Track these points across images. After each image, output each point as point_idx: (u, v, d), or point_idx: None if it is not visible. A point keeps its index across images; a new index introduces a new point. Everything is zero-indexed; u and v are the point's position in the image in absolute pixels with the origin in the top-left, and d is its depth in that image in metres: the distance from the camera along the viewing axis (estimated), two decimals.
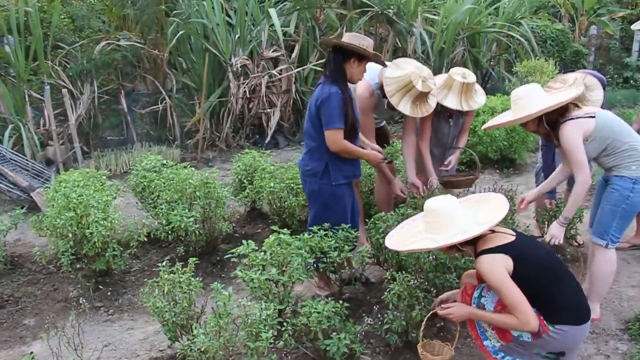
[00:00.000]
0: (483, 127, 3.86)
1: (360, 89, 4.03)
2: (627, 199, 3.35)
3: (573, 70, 5.15)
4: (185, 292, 2.86)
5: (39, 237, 4.80)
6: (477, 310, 2.79)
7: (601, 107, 4.29)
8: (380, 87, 4.01)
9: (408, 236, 2.93)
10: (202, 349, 2.42)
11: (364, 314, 3.47)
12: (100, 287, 4.05)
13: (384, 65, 4.00)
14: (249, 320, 2.50)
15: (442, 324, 3.43)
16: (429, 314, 2.96)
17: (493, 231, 2.77)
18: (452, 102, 4.12)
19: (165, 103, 8.38)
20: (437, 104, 4.18)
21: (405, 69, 3.90)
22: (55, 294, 3.99)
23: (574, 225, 4.25)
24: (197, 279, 3.02)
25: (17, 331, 3.62)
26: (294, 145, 9.04)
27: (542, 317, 2.67)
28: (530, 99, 3.34)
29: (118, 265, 4.02)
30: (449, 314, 2.81)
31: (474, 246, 2.77)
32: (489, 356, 2.91)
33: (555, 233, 3.46)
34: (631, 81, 11.67)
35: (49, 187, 4.57)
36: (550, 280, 2.71)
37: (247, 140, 8.87)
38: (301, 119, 9.44)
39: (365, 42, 3.59)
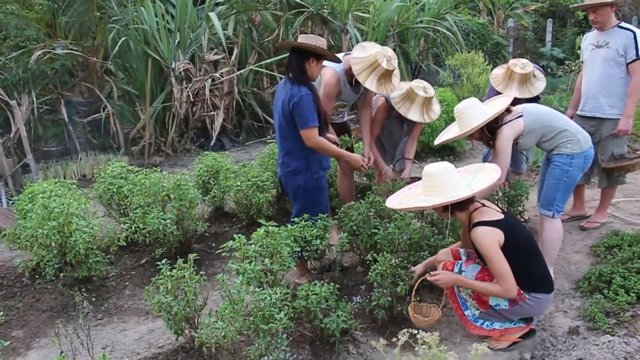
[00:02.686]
0: (436, 143, 4.23)
1: (327, 75, 4.27)
2: (567, 173, 3.84)
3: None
4: (190, 286, 3.02)
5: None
6: (463, 277, 3.13)
7: (539, 96, 4.83)
8: (346, 72, 4.29)
9: (407, 198, 3.29)
10: (223, 335, 2.61)
11: (345, 296, 3.74)
12: (84, 294, 4.10)
13: (339, 61, 4.28)
14: (262, 305, 2.71)
15: (419, 298, 3.74)
16: (419, 281, 3.29)
17: (485, 205, 3.13)
18: (415, 116, 4.48)
19: (108, 111, 8.31)
20: (394, 110, 4.53)
21: (370, 50, 4.21)
22: (39, 305, 4.01)
23: (522, 202, 4.68)
24: (201, 273, 3.19)
25: (7, 343, 3.64)
26: (239, 146, 9.20)
27: (519, 288, 3.04)
28: (472, 112, 3.79)
29: (100, 271, 4.09)
30: (437, 280, 3.15)
31: (468, 216, 3.11)
32: (469, 325, 3.26)
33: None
34: (548, 69, 12.54)
35: (16, 200, 4.56)
36: (531, 254, 3.10)
37: (192, 143, 8.94)
38: (243, 120, 9.61)
39: (321, 42, 3.84)
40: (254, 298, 2.75)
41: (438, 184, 3.09)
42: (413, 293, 3.28)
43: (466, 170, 3.40)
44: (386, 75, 4.25)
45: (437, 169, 3.12)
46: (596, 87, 4.58)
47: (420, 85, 4.52)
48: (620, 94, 4.50)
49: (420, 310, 3.38)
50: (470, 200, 3.15)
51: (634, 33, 4.39)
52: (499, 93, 4.83)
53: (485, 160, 5.15)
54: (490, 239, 2.97)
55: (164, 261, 3.21)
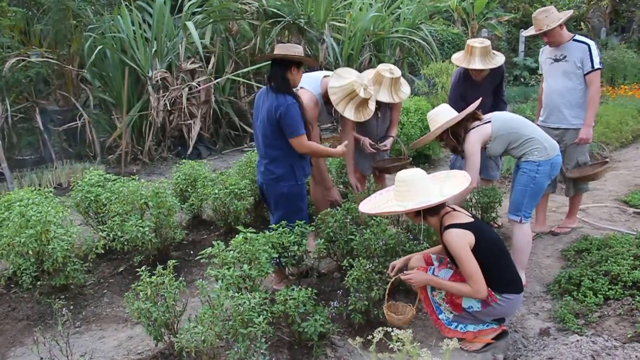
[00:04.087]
0: (411, 146, 4.35)
1: (305, 99, 4.34)
2: (534, 179, 3.97)
3: None
4: (169, 292, 3.06)
5: None
6: (434, 277, 3.23)
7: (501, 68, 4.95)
8: (323, 96, 4.37)
9: (380, 203, 3.37)
10: (202, 339, 2.65)
11: (322, 301, 3.79)
12: (61, 302, 4.08)
13: (319, 67, 4.36)
14: (241, 309, 2.75)
15: (394, 302, 3.83)
16: (392, 279, 3.37)
17: (455, 210, 3.24)
18: (384, 97, 4.58)
19: (84, 119, 8.28)
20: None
21: (347, 78, 4.27)
22: (15, 314, 3.98)
23: (494, 209, 4.79)
24: (180, 279, 3.23)
25: None
26: (216, 155, 9.23)
27: (490, 289, 3.14)
28: (443, 116, 3.95)
29: (78, 279, 4.09)
30: (409, 279, 3.25)
31: (439, 220, 3.20)
32: (443, 328, 3.35)
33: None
34: (521, 79, 12.81)
35: None
36: (500, 256, 3.23)
37: (169, 152, 8.94)
38: (220, 129, 9.65)
39: (297, 50, 3.91)
40: (233, 303, 2.80)
41: (410, 190, 3.19)
42: (387, 292, 3.36)
43: (436, 177, 3.50)
44: (363, 102, 4.33)
45: (409, 175, 3.22)
46: (558, 99, 4.73)
47: (386, 68, 4.64)
48: (582, 105, 4.66)
49: (396, 309, 3.46)
50: (441, 206, 3.25)
51: (589, 45, 4.57)
52: (463, 79, 4.97)
53: (453, 168, 5.22)
54: (461, 241, 3.08)
55: (143, 268, 3.24)
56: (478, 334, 3.33)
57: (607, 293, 3.71)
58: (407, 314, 3.36)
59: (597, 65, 4.56)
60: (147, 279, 3.13)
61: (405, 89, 4.79)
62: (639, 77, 13.43)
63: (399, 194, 3.25)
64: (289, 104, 3.74)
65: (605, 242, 4.46)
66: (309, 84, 4.43)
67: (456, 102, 4.85)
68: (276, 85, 3.84)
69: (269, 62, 4.01)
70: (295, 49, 3.89)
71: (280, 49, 3.89)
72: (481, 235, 3.14)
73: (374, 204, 3.43)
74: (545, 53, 4.89)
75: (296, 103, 3.78)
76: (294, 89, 3.94)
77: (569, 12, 4.74)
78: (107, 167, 8.21)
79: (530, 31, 4.82)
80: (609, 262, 3.98)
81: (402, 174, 3.26)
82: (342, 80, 4.30)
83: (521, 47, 13.97)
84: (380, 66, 4.70)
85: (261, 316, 2.81)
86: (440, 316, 3.35)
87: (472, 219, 3.22)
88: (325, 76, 4.51)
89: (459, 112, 3.98)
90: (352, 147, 4.76)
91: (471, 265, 3.06)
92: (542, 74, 5.07)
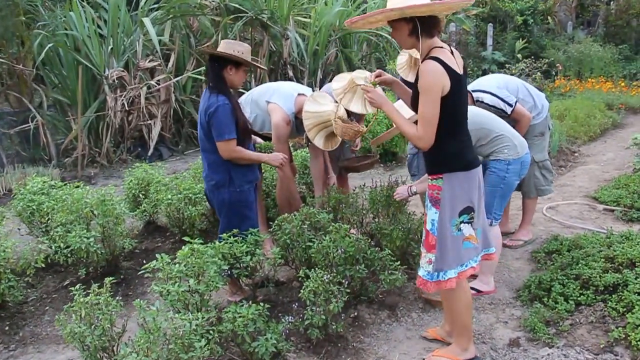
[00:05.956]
0: (372, 142, 4.09)
1: (278, 118, 4.11)
2: (504, 179, 3.76)
3: None
4: (105, 313, 2.78)
5: None
6: (390, 105, 2.96)
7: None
8: (296, 114, 4.15)
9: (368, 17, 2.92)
10: None
11: (280, 314, 3.55)
12: None
13: (262, 69, 4.13)
14: (180, 332, 2.49)
15: (356, 314, 3.60)
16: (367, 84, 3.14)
17: (452, 52, 2.86)
18: (357, 107, 4.30)
19: (37, 121, 7.88)
20: None
21: (324, 105, 4.07)
22: None
23: None
24: (117, 298, 2.95)
25: None
26: (178, 155, 8.91)
27: (436, 184, 2.86)
28: None
29: (15, 297, 3.78)
30: (368, 92, 2.99)
31: (428, 50, 2.80)
32: (428, 285, 2.97)
33: (400, 191, 4.06)
34: (489, 72, 12.70)
35: None
36: (457, 127, 2.87)
37: (129, 153, 8.59)
38: (182, 129, 9.34)
39: (241, 48, 3.62)
40: (172, 325, 2.54)
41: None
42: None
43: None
44: (334, 133, 4.12)
45: None
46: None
47: (361, 76, 4.34)
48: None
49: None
50: (438, 28, 2.82)
51: (487, 104, 4.39)
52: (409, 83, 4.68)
53: (410, 166, 4.90)
54: (436, 76, 2.69)
55: (77, 287, 2.95)
56: (461, 276, 2.93)
57: (579, 299, 3.53)
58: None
59: (509, 109, 4.40)
60: (81, 299, 2.84)
61: None
62: (605, 70, 13.47)
63: (391, 3, 2.77)
64: (219, 105, 3.48)
65: (575, 243, 4.30)
66: (282, 102, 4.21)
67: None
68: (212, 83, 3.60)
69: None
70: (239, 47, 3.62)
71: (223, 45, 3.62)
72: (458, 92, 2.76)
73: (360, 18, 2.95)
74: None
75: (228, 104, 3.52)
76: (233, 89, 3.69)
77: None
78: (63, 171, 7.84)
79: None
80: (579, 265, 3.80)
81: None
82: (319, 106, 4.08)
83: (489, 41, 13.88)
84: (356, 73, 4.42)
85: (203, 339, 2.55)
86: (420, 273, 2.99)
87: (462, 72, 2.85)
88: (299, 94, 4.28)
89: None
90: (321, 168, 4.59)
91: (432, 107, 2.70)
92: (509, 68, 4.90)
